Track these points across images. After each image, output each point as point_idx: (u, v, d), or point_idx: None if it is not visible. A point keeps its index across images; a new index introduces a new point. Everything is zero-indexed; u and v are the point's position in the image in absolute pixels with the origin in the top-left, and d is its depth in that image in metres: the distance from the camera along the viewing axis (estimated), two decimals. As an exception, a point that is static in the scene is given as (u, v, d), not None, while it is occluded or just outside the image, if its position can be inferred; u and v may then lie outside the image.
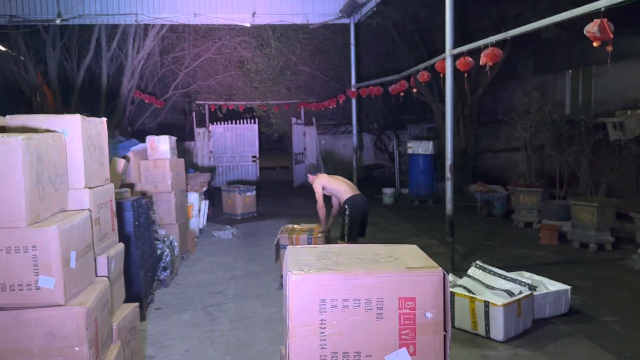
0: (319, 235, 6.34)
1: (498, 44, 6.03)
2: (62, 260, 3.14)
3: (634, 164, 8.02)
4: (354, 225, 6.29)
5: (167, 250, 6.37)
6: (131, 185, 6.89)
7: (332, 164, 17.90)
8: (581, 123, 8.53)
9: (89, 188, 3.88)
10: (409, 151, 13.08)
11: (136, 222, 5.39)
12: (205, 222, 9.46)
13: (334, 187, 6.53)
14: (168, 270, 6.33)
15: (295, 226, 6.77)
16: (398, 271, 2.35)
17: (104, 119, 4.32)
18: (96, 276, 3.91)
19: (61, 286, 3.14)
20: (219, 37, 14.71)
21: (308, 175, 6.83)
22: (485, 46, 5.97)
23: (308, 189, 15.95)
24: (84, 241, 3.65)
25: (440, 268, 2.40)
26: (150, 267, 5.89)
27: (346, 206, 6.30)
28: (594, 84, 10.83)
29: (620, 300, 5.61)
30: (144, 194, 6.85)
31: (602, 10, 4.41)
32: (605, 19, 4.35)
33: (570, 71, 11.23)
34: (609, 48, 4.36)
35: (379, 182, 15.70)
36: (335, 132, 18.31)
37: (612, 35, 4.32)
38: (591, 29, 4.36)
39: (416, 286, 2.31)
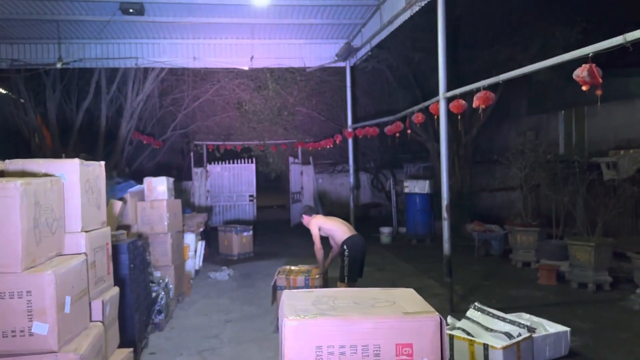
0: (317, 276, 6.30)
1: (491, 87, 6.16)
2: (56, 305, 3.12)
3: (628, 204, 8.07)
4: (353, 266, 6.28)
5: (163, 292, 6.30)
6: (128, 227, 6.87)
7: (329, 203, 17.91)
8: (575, 163, 8.62)
9: (86, 232, 3.89)
10: (406, 190, 13.14)
11: (132, 265, 5.35)
12: (201, 263, 9.38)
13: (331, 227, 6.55)
14: (163, 314, 6.25)
15: (293, 267, 6.73)
16: (395, 317, 2.34)
17: (103, 163, 4.37)
18: (91, 321, 3.87)
19: (55, 332, 3.11)
20: (217, 79, 14.97)
21: (303, 216, 6.83)
22: (478, 89, 6.10)
23: (305, 228, 15.87)
24: (80, 286, 3.63)
25: (437, 313, 2.39)
26: (145, 310, 5.82)
27: (345, 247, 6.30)
28: (587, 124, 11.00)
29: (621, 342, 5.55)
30: (140, 236, 6.83)
31: (590, 55, 4.54)
32: (594, 64, 4.47)
33: (563, 112, 11.43)
34: (598, 92, 4.47)
35: (377, 221, 15.69)
36: (332, 171, 18.41)
37: (600, 80, 4.43)
38: (580, 73, 4.48)
39: (413, 332, 2.31)
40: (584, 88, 4.51)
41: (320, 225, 6.55)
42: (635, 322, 6.17)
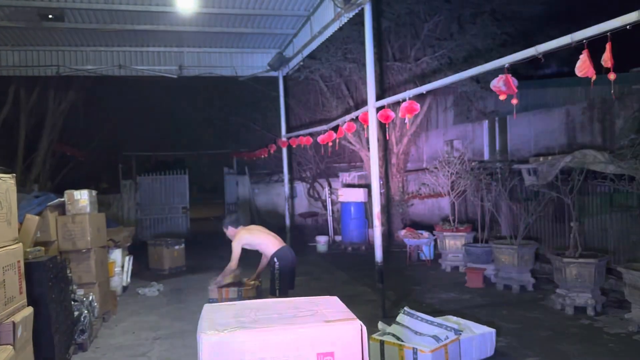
0: (250, 287, 6.19)
1: (417, 97, 6.33)
2: (-44, 330, 2.88)
3: (548, 208, 8.51)
4: (284, 279, 6.22)
5: (86, 311, 5.99)
6: (47, 243, 6.49)
7: (265, 213, 17.79)
8: (498, 170, 9.01)
9: (-7, 249, 3.63)
10: (341, 199, 13.25)
11: (50, 283, 5.05)
12: (129, 279, 9.02)
13: (260, 241, 6.44)
14: (86, 333, 5.93)
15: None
16: (316, 325, 2.32)
17: (13, 175, 4.11)
18: (0, 344, 3.61)
19: (-46, 360, 2.86)
20: (146, 88, 14.56)
21: (228, 227, 6.61)
22: (404, 100, 6.25)
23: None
24: (-15, 308, 3.37)
25: (357, 320, 2.39)
26: (66, 330, 5.50)
27: (275, 259, 6.24)
28: (509, 133, 11.54)
29: (542, 341, 5.80)
30: (60, 252, 6.47)
31: (506, 66, 4.76)
32: (509, 75, 4.69)
33: (487, 121, 11.93)
34: (514, 101, 4.69)
35: (313, 230, 15.72)
36: (268, 181, 18.29)
37: (515, 89, 4.65)
38: (497, 83, 4.69)
39: (335, 340, 2.29)
40: (501, 97, 4.72)
41: (247, 241, 6.41)
42: (555, 321, 6.48)
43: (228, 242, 14.28)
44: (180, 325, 6.88)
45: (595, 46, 3.99)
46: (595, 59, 3.89)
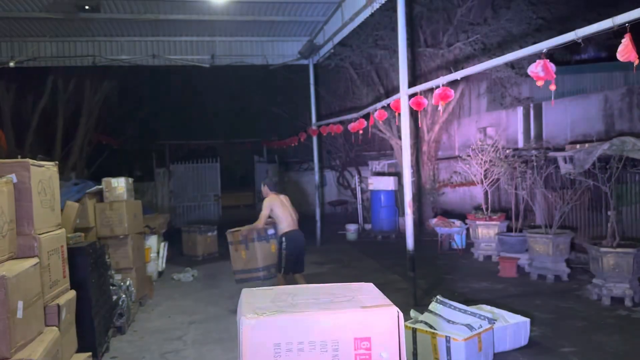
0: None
1: (450, 84, 6.24)
2: (8, 310, 3.01)
3: (585, 196, 8.32)
4: (290, 259, 6.70)
5: (124, 295, 6.17)
6: (86, 229, 6.69)
7: (295, 201, 17.88)
8: (533, 157, 8.83)
9: (39, 234, 3.77)
10: (371, 187, 13.23)
11: (90, 268, 5.22)
12: (164, 265, 9.23)
13: (278, 213, 6.84)
14: (124, 317, 6.11)
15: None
16: (353, 311, 2.34)
17: (56, 163, 4.24)
18: (46, 326, 3.75)
19: (6, 338, 3.00)
20: (179, 77, 14.74)
21: (264, 186, 7.13)
22: (437, 86, 6.17)
23: (271, 228, 15.88)
24: (33, 290, 3.51)
25: (394, 306, 2.40)
26: (105, 314, 5.68)
27: (283, 239, 6.71)
28: (544, 120, 11.29)
29: (578, 331, 5.71)
30: (99, 238, 6.67)
31: (544, 51, 4.65)
32: (547, 60, 4.58)
33: (521, 108, 11.69)
34: (552, 87, 4.58)
35: (343, 218, 15.77)
36: (298, 170, 18.38)
37: (554, 75, 4.55)
38: (534, 69, 4.59)
39: (371, 325, 2.30)
40: (538, 83, 4.62)
41: (273, 207, 6.82)
42: (591, 312, 6.37)
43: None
44: (215, 310, 7.02)
45: (636, 30, 3.86)
46: (637, 43, 3.77)
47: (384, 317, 2.32)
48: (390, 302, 2.46)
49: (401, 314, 2.38)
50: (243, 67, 12.22)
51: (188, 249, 10.83)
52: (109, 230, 6.80)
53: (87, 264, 5.17)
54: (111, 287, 6.10)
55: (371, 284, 2.86)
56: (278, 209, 6.82)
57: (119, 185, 7.01)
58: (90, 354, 4.34)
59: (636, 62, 3.85)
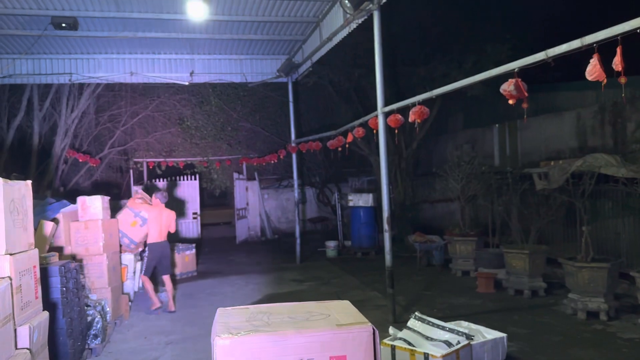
0: None
1: (427, 102, 6.35)
2: (-26, 334, 2.94)
3: (559, 212, 8.47)
4: (149, 266, 7.91)
5: (99, 316, 6.05)
6: (60, 249, 6.58)
7: (275, 218, 17.85)
8: (509, 174, 8.98)
9: (10, 254, 3.70)
10: (350, 204, 13.27)
11: (64, 288, 5.12)
12: (141, 284, 9.07)
13: (152, 225, 7.89)
14: (99, 338, 5.99)
15: None
16: (329, 329, 2.34)
17: (29, 182, 4.18)
18: (16, 348, 3.66)
19: (-27, 363, 2.92)
20: (157, 94, 14.69)
21: (155, 198, 8.06)
22: (413, 104, 6.27)
23: (251, 245, 15.82)
24: (3, 311, 3.43)
25: (369, 324, 2.41)
26: (80, 335, 5.56)
27: (147, 249, 7.91)
28: (519, 137, 11.52)
29: (554, 346, 5.77)
30: (74, 257, 6.55)
31: (516, 70, 4.77)
32: (519, 79, 4.69)
33: (497, 125, 11.91)
34: (525, 105, 4.69)
35: (323, 235, 15.75)
36: (278, 187, 18.36)
37: (526, 94, 4.66)
38: (507, 88, 4.69)
39: (347, 343, 2.31)
40: (510, 102, 4.72)
41: (150, 216, 7.94)
42: (567, 326, 6.45)
43: (238, 248, 14.37)
44: (192, 330, 6.92)
45: (606, 49, 3.99)
46: (606, 62, 3.88)
47: (360, 335, 2.34)
48: (366, 320, 2.47)
49: (377, 332, 2.39)
50: (222, 84, 12.23)
51: (166, 268, 10.67)
52: (84, 250, 6.69)
53: (60, 284, 5.07)
54: (86, 308, 5.99)
55: (347, 302, 2.87)
56: (152, 219, 7.93)
57: (95, 203, 6.92)
58: (62, 377, 4.23)
59: (604, 82, 3.96)
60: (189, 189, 16.64)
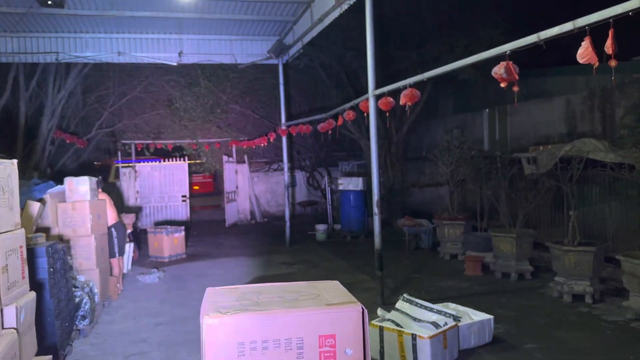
0: None
1: (418, 85, 6.32)
2: (-40, 313, 2.90)
3: (547, 196, 8.54)
4: (121, 245, 7.94)
5: (87, 297, 6.02)
6: (47, 230, 6.52)
7: (265, 201, 17.84)
8: (498, 158, 9.02)
9: (-5, 234, 3.64)
10: (340, 187, 13.27)
11: (51, 269, 5.08)
12: (129, 266, 9.06)
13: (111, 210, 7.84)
14: (87, 319, 5.97)
15: None
16: (318, 308, 2.34)
17: (15, 161, 4.11)
18: (3, 328, 3.64)
19: (-42, 342, 2.89)
20: (145, 75, 14.49)
21: (99, 189, 7.70)
22: (404, 87, 6.24)
23: (241, 228, 15.81)
24: (-12, 291, 3.39)
25: (359, 303, 2.41)
26: (67, 316, 5.54)
27: (113, 230, 7.72)
28: (509, 122, 11.54)
29: (540, 328, 5.85)
30: (61, 238, 6.50)
31: (507, 53, 4.75)
32: (511, 62, 4.68)
33: (487, 110, 11.92)
34: (515, 88, 4.68)
35: (312, 218, 15.77)
36: (268, 170, 18.32)
37: (517, 77, 4.64)
38: (498, 70, 4.67)
39: (336, 322, 2.31)
40: (502, 85, 4.71)
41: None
42: (553, 309, 6.53)
43: (228, 231, 14.36)
44: (181, 311, 6.92)
45: (596, 34, 3.98)
46: (597, 47, 3.88)
47: (349, 314, 2.34)
48: (356, 300, 2.48)
49: (366, 311, 2.39)
50: (211, 65, 12.09)
51: (154, 250, 10.65)
52: (72, 231, 6.64)
53: (48, 265, 5.03)
54: (74, 289, 5.96)
55: (337, 282, 2.88)
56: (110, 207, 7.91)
57: (82, 185, 6.85)
58: (50, 356, 4.21)
59: (596, 64, 3.96)
60: (178, 172, 16.53)
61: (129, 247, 8.98)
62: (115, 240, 7.79)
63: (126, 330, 6.18)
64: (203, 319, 2.19)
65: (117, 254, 7.84)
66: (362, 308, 2.35)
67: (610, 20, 3.72)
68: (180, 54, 11.28)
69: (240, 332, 2.20)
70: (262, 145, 15.36)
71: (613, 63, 3.76)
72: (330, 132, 10.10)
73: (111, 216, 7.81)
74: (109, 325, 6.39)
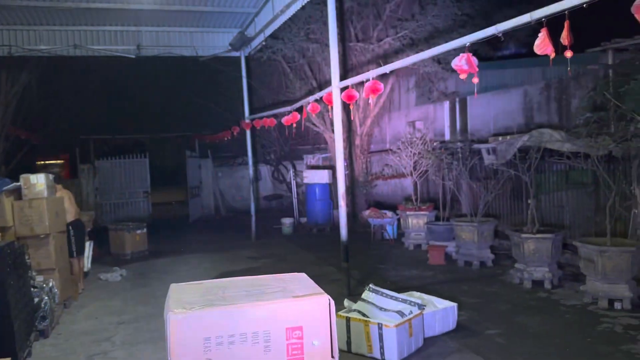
0: None
1: (380, 79, 6.36)
2: None
3: (507, 186, 8.75)
4: (78, 244, 7.66)
5: (46, 297, 5.85)
6: (3, 229, 6.29)
7: (230, 196, 17.68)
8: (459, 149, 9.18)
9: (-54, 234, 3.49)
10: (306, 181, 13.28)
11: (8, 269, 4.90)
12: (90, 265, 8.84)
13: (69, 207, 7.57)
14: (47, 320, 5.80)
15: None
16: (284, 301, 2.34)
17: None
18: (-44, 333, 3.50)
19: None
20: (103, 69, 14.11)
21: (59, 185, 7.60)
22: (367, 80, 6.27)
23: (205, 223, 15.62)
24: (-61, 294, 3.25)
25: (325, 294, 2.42)
26: (26, 317, 5.36)
27: (70, 228, 7.45)
28: (469, 114, 11.74)
29: (502, 314, 6.01)
30: (18, 238, 6.28)
31: (467, 45, 4.83)
32: (470, 54, 4.76)
33: (448, 102, 12.10)
34: (475, 80, 4.77)
35: (278, 212, 15.73)
36: (232, 164, 18.15)
37: (477, 68, 4.73)
38: (458, 62, 4.75)
39: (303, 314, 2.32)
40: (461, 76, 4.79)
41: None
42: (514, 295, 6.71)
43: (192, 227, 14.16)
44: (145, 309, 6.80)
45: (552, 27, 4.08)
46: (553, 39, 3.98)
47: (316, 305, 2.34)
48: (322, 291, 2.48)
49: (332, 302, 2.40)
50: (172, 58, 11.86)
51: (116, 248, 10.43)
52: (29, 230, 6.43)
53: (4, 265, 4.86)
54: (32, 289, 5.77)
55: (303, 274, 2.88)
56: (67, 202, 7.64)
57: (39, 182, 6.63)
58: (9, 359, 4.08)
59: (552, 55, 4.07)
60: (138, 167, 16.17)
61: (89, 245, 8.75)
62: (74, 239, 7.56)
63: (88, 330, 6.04)
64: (167, 315, 2.15)
65: (76, 253, 7.60)
66: (329, 299, 2.36)
67: (566, 12, 3.83)
68: (138, 46, 11.02)
69: (205, 327, 2.17)
70: (226, 139, 15.21)
71: (569, 54, 3.87)
72: (294, 125, 10.07)
73: (70, 213, 7.57)
74: (70, 326, 6.23)
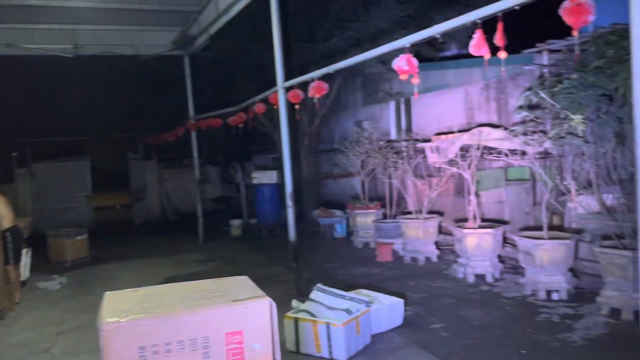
0: None
1: (327, 79, 6.37)
2: None
3: (450, 183, 8.98)
4: (17, 251, 7.36)
5: (-23, 310, 5.53)
6: None
7: (177, 199, 17.28)
8: (404, 148, 9.35)
9: None
10: (254, 181, 13.17)
11: None
12: (28, 273, 8.43)
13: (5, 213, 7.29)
14: (-21, 334, 5.49)
15: None
16: (224, 306, 2.30)
17: None
18: None
19: None
20: (39, 68, 13.49)
21: None
22: (312, 80, 6.27)
23: (151, 227, 15.21)
24: None
25: (266, 297, 2.39)
26: (-46, 332, 5.06)
27: (7, 234, 7.17)
28: (414, 113, 11.97)
29: (447, 308, 6.16)
30: (-56, 248, 5.91)
31: (407, 46, 4.91)
32: (411, 55, 4.84)
33: (393, 102, 12.30)
34: (415, 80, 4.86)
35: (227, 214, 15.51)
36: (179, 166, 17.75)
37: (417, 69, 4.82)
38: (399, 63, 4.82)
39: (243, 318, 2.28)
40: (401, 77, 4.87)
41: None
42: (458, 289, 6.90)
43: (136, 231, 13.76)
44: (86, 317, 6.53)
45: (490, 28, 4.21)
46: (490, 41, 4.11)
47: (256, 309, 2.31)
48: (263, 294, 2.45)
49: (274, 304, 2.38)
50: (112, 57, 11.48)
51: (55, 255, 9.99)
52: (-43, 239, 6.06)
53: None
54: (-39, 303, 5.45)
55: (245, 277, 2.84)
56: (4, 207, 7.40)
57: (-33, 187, 6.25)
58: None
59: (488, 56, 4.19)
60: (79, 170, 15.55)
61: (27, 253, 8.34)
62: (11, 245, 7.25)
63: (25, 342, 5.76)
64: (100, 325, 2.07)
65: (14, 260, 7.28)
66: (270, 301, 2.33)
67: (500, 14, 3.95)
68: (75, 45, 10.59)
69: (140, 336, 2.11)
70: (171, 140, 14.86)
71: (503, 55, 4.00)
72: (242, 125, 9.97)
73: (7, 219, 7.27)
74: (5, 338, 5.94)
